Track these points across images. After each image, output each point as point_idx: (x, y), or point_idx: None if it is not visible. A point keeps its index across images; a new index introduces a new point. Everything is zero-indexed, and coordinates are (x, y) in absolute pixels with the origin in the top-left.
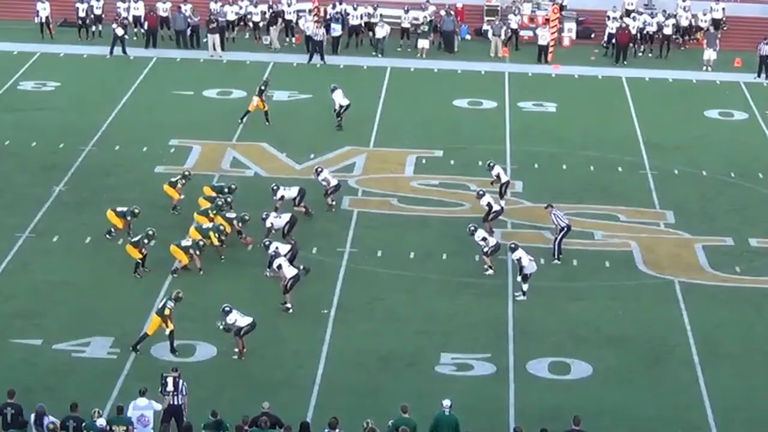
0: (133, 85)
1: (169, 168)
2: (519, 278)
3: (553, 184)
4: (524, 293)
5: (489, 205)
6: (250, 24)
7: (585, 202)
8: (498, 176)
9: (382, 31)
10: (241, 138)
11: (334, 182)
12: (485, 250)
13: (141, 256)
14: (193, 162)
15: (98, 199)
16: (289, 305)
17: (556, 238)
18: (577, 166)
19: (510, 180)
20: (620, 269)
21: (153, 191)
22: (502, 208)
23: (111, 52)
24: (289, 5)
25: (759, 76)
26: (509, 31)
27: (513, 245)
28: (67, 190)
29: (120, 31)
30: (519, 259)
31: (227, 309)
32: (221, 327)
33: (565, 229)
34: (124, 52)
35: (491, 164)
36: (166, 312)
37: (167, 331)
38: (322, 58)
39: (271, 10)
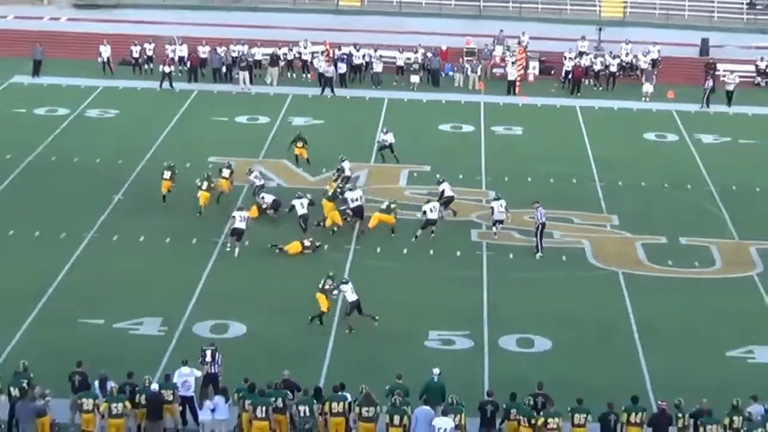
0: (178, 113)
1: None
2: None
3: (520, 193)
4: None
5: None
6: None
7: (546, 207)
8: (443, 192)
9: (378, 66)
10: (266, 156)
11: (258, 183)
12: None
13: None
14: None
15: (149, 205)
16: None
17: (536, 233)
18: (540, 179)
19: (454, 196)
20: (574, 262)
21: (195, 199)
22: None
23: (160, 86)
24: (305, 47)
25: (703, 106)
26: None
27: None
28: (125, 198)
29: (167, 69)
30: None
31: (345, 280)
32: (331, 289)
33: (542, 226)
34: (171, 86)
35: (440, 180)
36: (326, 287)
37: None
38: (332, 91)
39: (272, 52)
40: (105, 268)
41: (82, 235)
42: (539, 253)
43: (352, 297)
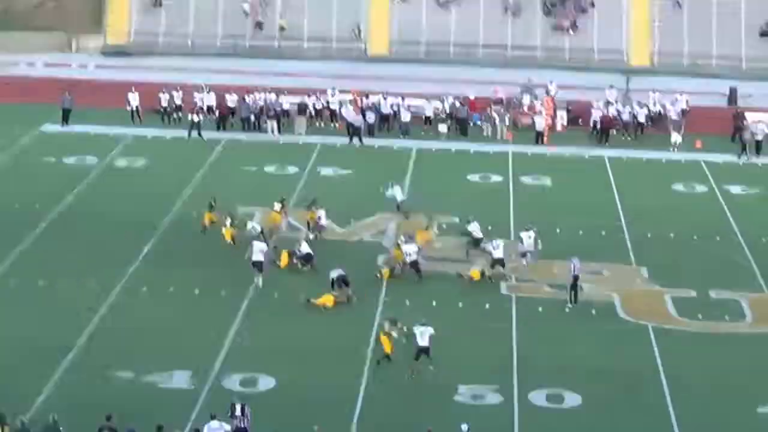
0: (207, 162)
1: (236, 230)
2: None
3: (548, 244)
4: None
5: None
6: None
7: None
8: (471, 232)
9: (406, 116)
10: (295, 205)
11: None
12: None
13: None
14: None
15: (179, 255)
16: None
17: (570, 285)
18: (568, 230)
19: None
20: (604, 316)
21: (224, 251)
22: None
23: (189, 135)
24: (332, 96)
25: (742, 157)
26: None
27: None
28: (154, 248)
29: (196, 118)
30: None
31: (423, 322)
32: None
33: (575, 278)
34: (200, 135)
35: (469, 220)
36: (389, 331)
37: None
38: (360, 141)
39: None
40: (134, 319)
41: (112, 286)
42: (569, 305)
43: (423, 342)
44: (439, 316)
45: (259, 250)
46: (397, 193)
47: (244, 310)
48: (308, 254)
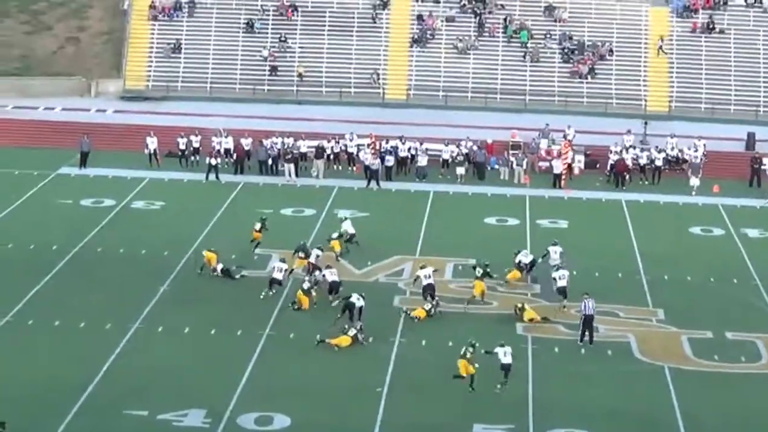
0: (224, 205)
1: (253, 272)
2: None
3: (572, 286)
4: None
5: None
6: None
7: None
8: (519, 261)
9: (424, 160)
10: (313, 247)
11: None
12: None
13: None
14: (272, 268)
15: (195, 296)
16: None
17: (581, 323)
18: (585, 272)
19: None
20: (620, 357)
21: (240, 291)
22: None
23: (206, 178)
24: (350, 140)
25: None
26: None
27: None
28: (170, 289)
29: (213, 161)
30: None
31: (502, 343)
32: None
33: (589, 318)
34: (217, 178)
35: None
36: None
37: None
38: (378, 184)
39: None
40: (150, 358)
41: (128, 326)
42: (579, 343)
43: (506, 360)
44: (455, 356)
45: (278, 270)
46: (348, 227)
47: (260, 349)
48: (334, 282)
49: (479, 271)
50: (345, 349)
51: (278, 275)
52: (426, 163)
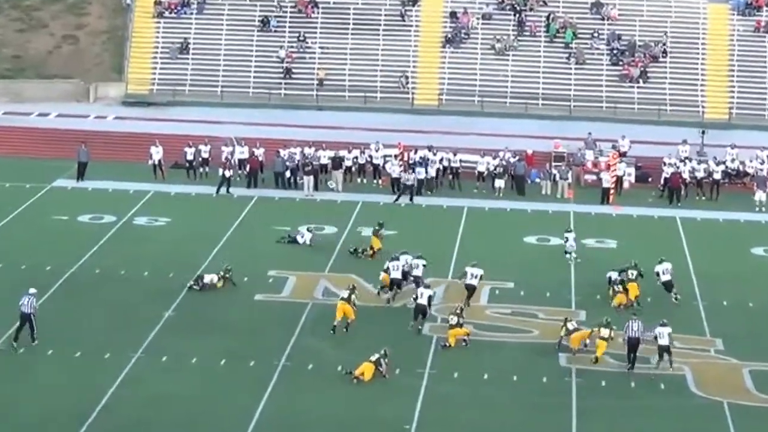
0: (236, 222)
1: (267, 296)
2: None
3: (614, 313)
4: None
5: None
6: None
7: (642, 340)
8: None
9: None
10: (332, 270)
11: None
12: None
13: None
14: (289, 291)
15: (203, 322)
16: None
17: (627, 348)
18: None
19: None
20: (674, 391)
21: (253, 317)
22: None
23: (218, 191)
24: (376, 150)
25: None
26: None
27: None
28: (176, 314)
29: (227, 173)
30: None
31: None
32: None
33: (635, 341)
34: (229, 191)
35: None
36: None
37: None
38: (411, 199)
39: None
40: (153, 391)
41: (129, 355)
42: (629, 371)
43: (663, 341)
44: (491, 390)
45: (395, 267)
46: (307, 237)
47: (275, 382)
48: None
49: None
50: (369, 382)
51: (396, 273)
52: (460, 175)
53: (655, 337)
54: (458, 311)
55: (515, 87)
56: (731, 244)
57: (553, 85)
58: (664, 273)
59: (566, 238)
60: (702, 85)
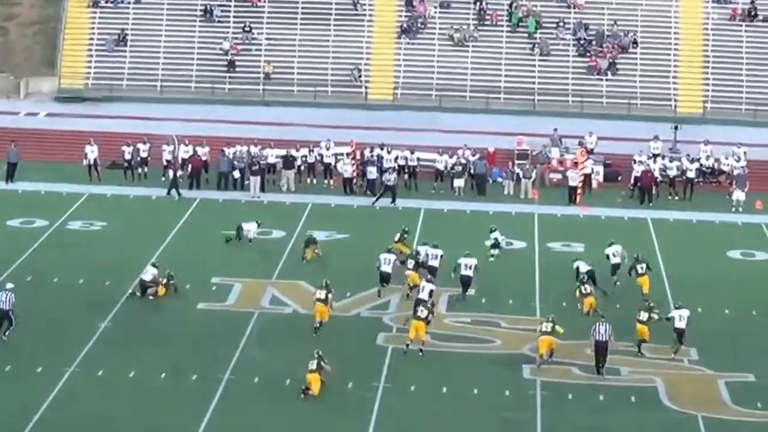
0: (177, 225)
1: (211, 305)
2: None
3: (580, 322)
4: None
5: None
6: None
7: (611, 342)
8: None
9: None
10: (280, 276)
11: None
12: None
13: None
14: (234, 300)
15: (142, 334)
16: None
17: (594, 352)
18: (604, 304)
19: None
20: (645, 404)
21: (195, 327)
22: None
23: (168, 192)
24: (327, 148)
25: None
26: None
27: None
28: (113, 326)
29: (178, 173)
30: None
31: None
32: None
33: (602, 345)
34: (179, 193)
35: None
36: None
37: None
38: (393, 201)
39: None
40: (89, 409)
41: (62, 370)
42: (599, 375)
43: (680, 324)
44: (450, 404)
45: (386, 261)
46: (251, 229)
47: (219, 398)
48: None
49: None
50: (318, 395)
51: (387, 268)
52: (417, 174)
53: (668, 319)
54: (430, 305)
55: (475, 80)
56: (706, 247)
57: (516, 78)
58: (614, 255)
59: (493, 238)
60: (674, 77)
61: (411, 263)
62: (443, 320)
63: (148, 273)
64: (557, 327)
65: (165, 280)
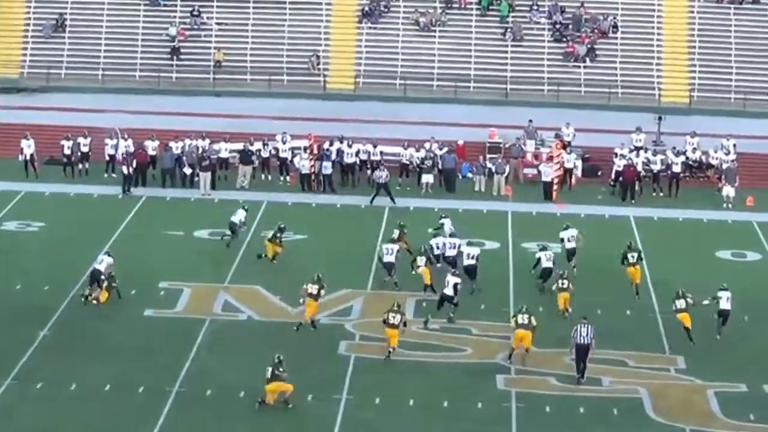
0: (121, 226)
1: (158, 311)
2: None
3: (559, 327)
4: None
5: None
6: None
7: (591, 346)
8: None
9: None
10: (233, 280)
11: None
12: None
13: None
14: (183, 306)
15: (84, 343)
16: None
17: (576, 356)
18: (584, 309)
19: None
20: (629, 417)
21: (142, 336)
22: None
23: (123, 191)
24: (284, 142)
25: None
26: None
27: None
28: (52, 334)
29: (130, 170)
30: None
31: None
32: None
33: (584, 348)
34: (129, 190)
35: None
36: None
37: None
38: (392, 199)
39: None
40: (26, 425)
41: None
42: (582, 379)
43: (725, 305)
44: (418, 418)
45: (388, 251)
46: (240, 217)
47: (167, 411)
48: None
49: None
50: (277, 407)
51: (390, 257)
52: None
53: (714, 298)
54: (396, 307)
55: (443, 68)
56: (694, 248)
57: (487, 65)
58: (569, 240)
59: (442, 223)
60: (658, 64)
61: (422, 260)
62: (410, 327)
63: (103, 263)
64: (533, 319)
65: (107, 284)
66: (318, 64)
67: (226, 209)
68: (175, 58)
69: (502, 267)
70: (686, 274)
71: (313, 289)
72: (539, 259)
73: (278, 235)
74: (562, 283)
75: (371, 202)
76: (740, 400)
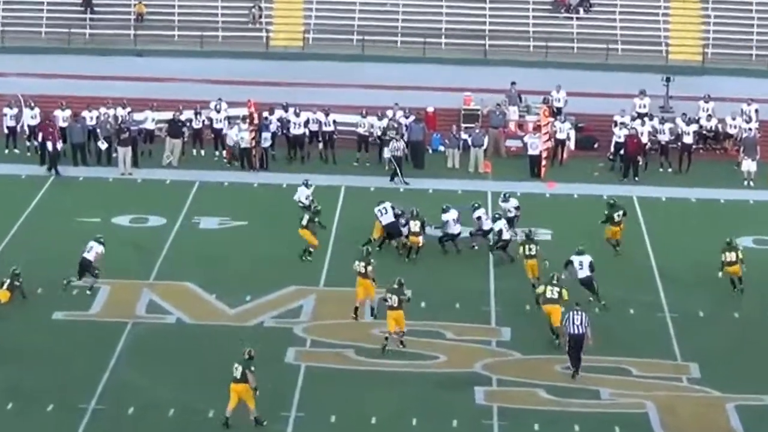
0: (25, 212)
1: (71, 314)
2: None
3: (548, 330)
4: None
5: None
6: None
7: (588, 353)
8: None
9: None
10: (159, 276)
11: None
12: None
13: None
14: (100, 307)
15: None
16: None
17: (568, 351)
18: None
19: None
20: None
21: (51, 342)
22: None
23: (49, 169)
24: (218, 111)
25: None
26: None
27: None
28: None
29: (58, 146)
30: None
31: None
32: None
33: (577, 339)
34: (56, 170)
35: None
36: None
37: None
38: (393, 178)
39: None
40: None
41: None
42: (578, 375)
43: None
44: None
45: None
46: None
47: None
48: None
49: None
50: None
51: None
52: (335, 142)
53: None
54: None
55: (408, 22)
56: (709, 233)
57: (461, 18)
58: (509, 211)
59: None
60: (665, 15)
61: (416, 225)
62: (370, 330)
63: (92, 251)
64: (564, 292)
65: (9, 281)
66: (260, 17)
67: (150, 191)
68: (88, 11)
69: (480, 258)
70: (701, 266)
71: (360, 266)
72: (500, 232)
73: (314, 219)
74: (529, 249)
75: (392, 180)
76: (763, 413)
